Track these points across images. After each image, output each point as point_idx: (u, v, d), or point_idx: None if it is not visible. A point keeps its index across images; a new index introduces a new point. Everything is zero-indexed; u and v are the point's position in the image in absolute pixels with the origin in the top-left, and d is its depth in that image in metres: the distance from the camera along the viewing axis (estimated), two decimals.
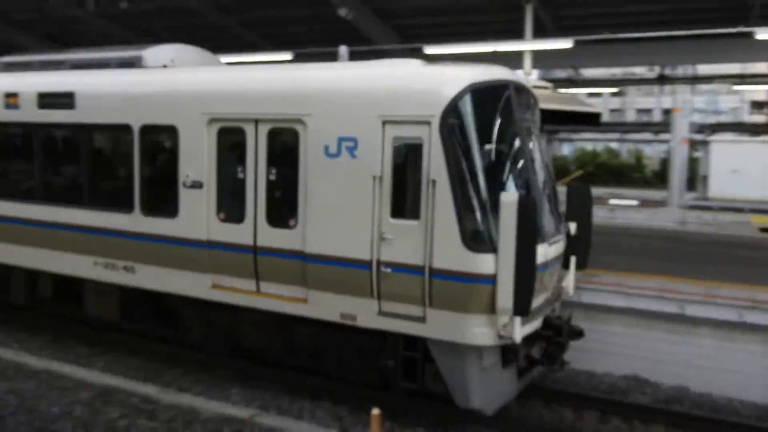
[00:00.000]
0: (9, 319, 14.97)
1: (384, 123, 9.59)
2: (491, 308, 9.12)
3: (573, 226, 11.31)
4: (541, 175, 10.61)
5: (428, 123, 9.31)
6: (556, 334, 10.39)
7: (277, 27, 24.81)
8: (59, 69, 13.63)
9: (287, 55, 21.76)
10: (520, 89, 10.41)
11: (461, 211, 9.11)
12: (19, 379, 11.42)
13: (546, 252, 10.00)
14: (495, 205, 9.06)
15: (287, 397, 11.43)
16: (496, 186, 9.32)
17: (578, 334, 10.84)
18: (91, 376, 11.46)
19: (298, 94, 10.34)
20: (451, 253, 9.18)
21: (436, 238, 9.27)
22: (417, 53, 20.77)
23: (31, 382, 11.25)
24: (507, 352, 9.82)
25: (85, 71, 13.13)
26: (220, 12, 22.81)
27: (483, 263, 9.07)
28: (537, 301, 9.93)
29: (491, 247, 9.07)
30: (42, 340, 14.14)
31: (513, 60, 20.15)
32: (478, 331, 9.28)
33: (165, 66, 12.76)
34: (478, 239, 9.13)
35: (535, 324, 10.03)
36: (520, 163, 9.95)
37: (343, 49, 14.12)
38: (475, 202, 9.16)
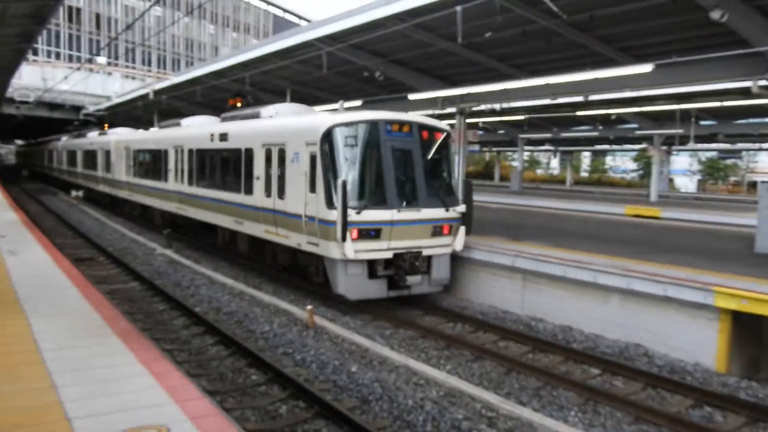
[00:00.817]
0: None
1: (306, 144, 19.19)
2: (337, 238, 17.82)
3: (462, 207, 19.12)
4: (402, 170, 17.88)
5: (316, 144, 18.62)
6: (402, 265, 18.30)
7: (635, 39, 23.23)
8: (229, 120, 25.03)
9: (647, 67, 20.55)
10: (392, 122, 18.31)
11: (327, 189, 17.90)
12: (383, 370, 12.90)
13: (392, 215, 17.61)
14: (337, 186, 17.92)
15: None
16: (340, 176, 17.80)
17: (416, 270, 18.42)
18: (440, 377, 12.62)
19: (282, 132, 20.48)
20: (323, 210, 18.20)
21: (319, 203, 18.39)
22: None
23: (392, 374, 12.58)
24: (370, 266, 18.24)
25: (234, 122, 24.35)
26: (579, 29, 22.75)
27: (332, 215, 17.79)
28: (392, 243, 17.91)
29: (334, 207, 17.77)
30: (402, 336, 16.70)
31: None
32: (334, 251, 17.99)
33: (271, 117, 23.19)
34: (331, 203, 17.81)
35: (381, 254, 17.95)
36: (364, 163, 17.82)
37: (340, 103, 23.66)
38: (331, 184, 17.90)
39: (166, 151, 30.32)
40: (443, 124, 20.00)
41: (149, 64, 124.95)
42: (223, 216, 24.12)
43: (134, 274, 22.61)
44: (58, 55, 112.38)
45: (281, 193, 19.90)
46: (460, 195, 19.76)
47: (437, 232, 18.68)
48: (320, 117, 19.14)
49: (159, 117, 55.80)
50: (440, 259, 19.05)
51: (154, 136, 33.15)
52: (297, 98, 36.64)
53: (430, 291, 19.34)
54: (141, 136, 36.55)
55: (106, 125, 59.50)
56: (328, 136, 17.90)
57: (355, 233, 17.41)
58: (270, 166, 20.58)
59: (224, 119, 26.10)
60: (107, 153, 42.29)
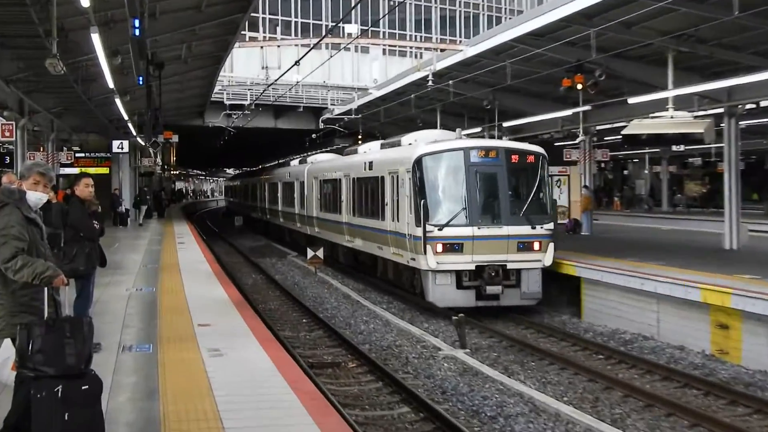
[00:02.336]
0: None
1: (406, 171, 21.24)
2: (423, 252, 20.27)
3: (551, 224, 20.79)
4: (485, 191, 20.18)
5: (410, 170, 20.97)
6: (485, 277, 20.13)
7: None
8: (387, 148, 27.31)
9: None
10: (479, 149, 20.73)
11: (416, 209, 20.21)
12: None
13: (473, 231, 19.75)
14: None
15: None
16: (424, 197, 20.27)
17: (497, 282, 20.09)
18: None
19: (395, 160, 23.01)
20: (413, 227, 20.60)
21: (413, 221, 20.77)
22: None
23: None
24: (458, 277, 20.26)
25: (385, 150, 26.98)
26: None
27: (419, 231, 20.04)
28: (476, 257, 19.94)
29: (421, 224, 20.20)
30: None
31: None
32: (422, 262, 20.15)
33: (410, 144, 24.97)
34: (419, 221, 20.00)
35: (464, 266, 19.96)
36: (448, 186, 20.67)
37: (458, 131, 24.38)
38: (419, 205, 20.05)
39: (340, 180, 28.76)
40: (536, 148, 21.67)
41: (427, 29, 76.70)
42: (368, 242, 25.31)
43: (404, 390, 13.31)
44: (287, 26, 69.56)
45: (396, 215, 22.12)
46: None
47: (525, 247, 20.10)
48: (415, 147, 21.77)
49: (443, 117, 37.50)
50: (530, 273, 20.33)
51: (332, 164, 31.87)
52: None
53: (521, 304, 20.48)
54: (332, 162, 33.50)
55: (359, 138, 45.08)
56: (418, 164, 20.43)
57: (440, 247, 19.56)
58: (392, 191, 22.76)
59: (383, 146, 26.99)
60: (302, 185, 36.08)
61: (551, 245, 20.41)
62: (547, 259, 20.41)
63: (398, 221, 21.50)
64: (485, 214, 20.03)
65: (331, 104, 49.80)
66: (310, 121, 51.37)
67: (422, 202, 19.47)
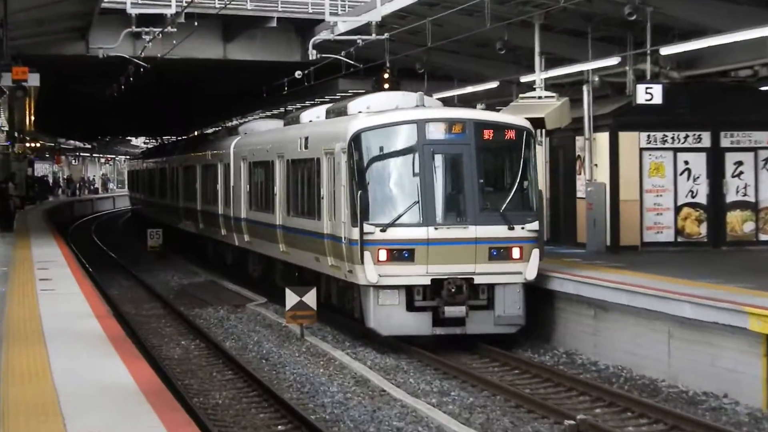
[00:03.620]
0: None
1: (342, 151, 16.65)
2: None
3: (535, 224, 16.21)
4: (446, 180, 16.02)
5: (345, 151, 16.36)
6: (443, 295, 15.59)
7: None
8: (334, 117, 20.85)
9: None
10: (438, 122, 16.11)
11: (353, 203, 15.84)
12: None
13: (428, 233, 15.63)
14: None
15: None
16: (362, 188, 15.90)
17: (459, 301, 15.57)
18: None
19: (332, 136, 17.71)
20: (349, 228, 16.04)
21: (348, 219, 16.18)
22: None
23: None
24: (409, 296, 15.74)
25: (319, 122, 21.13)
26: None
27: (355, 233, 15.62)
28: (431, 268, 15.63)
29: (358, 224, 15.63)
30: None
31: None
32: (360, 275, 15.74)
33: (359, 113, 18.43)
34: (356, 219, 15.60)
35: (416, 280, 15.62)
36: (394, 173, 16.39)
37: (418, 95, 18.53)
38: (356, 198, 15.68)
39: (273, 164, 21.78)
40: (519, 120, 17.17)
41: None
42: (304, 252, 19.68)
43: None
44: None
45: (333, 213, 17.36)
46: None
47: (500, 255, 16.14)
48: (354, 119, 17.08)
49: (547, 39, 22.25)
50: (506, 290, 16.19)
51: (264, 139, 24.15)
52: None
53: (495, 332, 16.31)
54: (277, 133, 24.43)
55: (385, 77, 26.05)
56: (355, 141, 16.25)
57: (382, 254, 15.76)
58: (329, 179, 17.82)
59: (328, 114, 20.46)
60: (227, 169, 26.67)
61: (536, 252, 16.24)
62: (530, 270, 16.24)
63: (335, 220, 17.14)
64: (446, 211, 16.22)
65: (332, 15, 27.41)
66: (292, 47, 32.25)
67: (359, 193, 15.69)
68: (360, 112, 18.19)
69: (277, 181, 21.35)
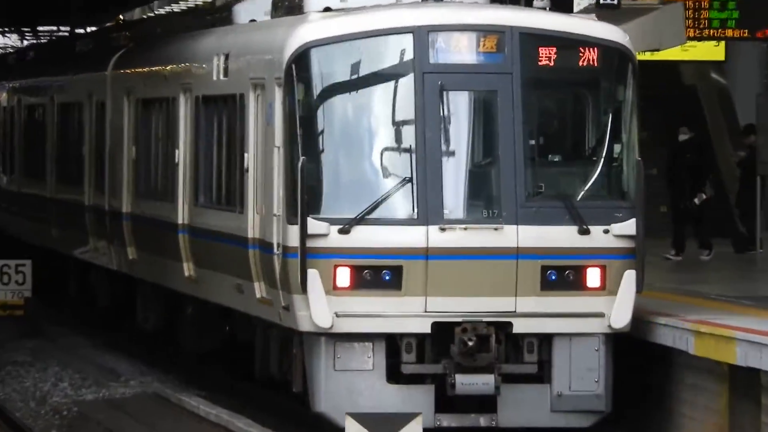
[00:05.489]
0: None
1: (276, 82, 10.59)
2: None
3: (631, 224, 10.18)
4: (462, 139, 10.20)
5: (280, 82, 10.26)
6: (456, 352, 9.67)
7: None
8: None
9: None
10: (453, 30, 10.24)
11: (292, 179, 9.95)
12: None
13: (426, 236, 9.86)
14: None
15: None
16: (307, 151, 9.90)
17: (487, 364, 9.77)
18: None
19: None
20: (284, 225, 10.35)
21: (281, 209, 10.46)
22: None
23: None
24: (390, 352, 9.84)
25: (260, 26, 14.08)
26: None
27: (292, 235, 9.77)
28: (432, 301, 9.78)
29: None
30: None
31: None
32: (299, 313, 9.84)
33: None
34: (294, 210, 9.85)
35: (406, 324, 9.69)
36: (371, 127, 10.17)
37: None
38: (297, 169, 9.66)
39: (175, 103, 14.95)
40: (609, 29, 11.00)
41: None
42: (216, 273, 13.48)
43: None
44: None
45: (262, 199, 11.42)
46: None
47: (561, 282, 10.37)
48: (300, 23, 10.80)
49: None
50: (575, 346, 10.48)
51: (162, 52, 16.40)
52: None
53: (553, 425, 10.56)
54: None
55: None
56: (298, 67, 10.14)
57: (344, 275, 10.08)
58: (256, 134, 11.77)
59: (275, 10, 13.77)
60: (98, 112, 18.49)
61: (630, 276, 10.31)
62: (620, 310, 10.34)
63: (265, 213, 11.35)
64: (462, 197, 10.43)
65: None
66: None
67: (301, 161, 9.74)
68: (326, 8, 11.77)
69: (180, 139, 14.37)
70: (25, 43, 46.30)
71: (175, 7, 32.60)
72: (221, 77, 12.81)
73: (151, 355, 16.18)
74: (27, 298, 19.56)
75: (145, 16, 32.49)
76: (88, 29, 34.03)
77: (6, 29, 47.92)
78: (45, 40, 40.89)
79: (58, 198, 19.40)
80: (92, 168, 17.84)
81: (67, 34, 37.13)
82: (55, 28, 42.64)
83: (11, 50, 43.96)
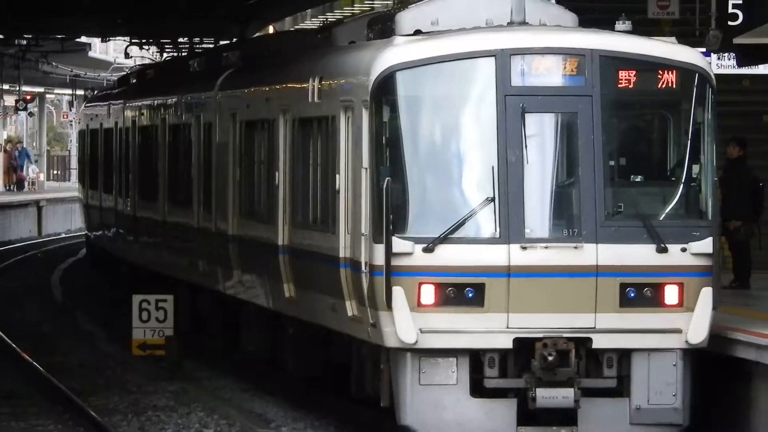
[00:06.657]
0: None
1: (363, 105, 10.86)
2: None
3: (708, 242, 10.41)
4: (543, 160, 10.51)
5: (366, 105, 10.68)
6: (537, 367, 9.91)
7: None
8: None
9: None
10: (535, 53, 10.54)
11: (376, 199, 10.41)
12: None
13: (508, 254, 10.12)
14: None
15: None
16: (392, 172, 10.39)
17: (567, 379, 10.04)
18: None
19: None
20: (370, 244, 10.76)
21: (366, 228, 10.97)
22: None
23: None
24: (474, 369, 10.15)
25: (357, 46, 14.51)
26: None
27: (378, 254, 10.26)
28: (514, 318, 10.14)
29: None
30: None
31: None
32: (386, 329, 10.23)
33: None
34: (380, 229, 10.33)
35: (489, 340, 10.01)
36: (452, 147, 10.56)
37: None
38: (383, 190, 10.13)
39: (275, 125, 15.26)
40: (688, 53, 11.23)
41: None
42: (310, 293, 13.87)
43: None
44: None
45: (353, 219, 11.88)
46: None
47: (640, 299, 10.63)
48: (386, 47, 11.11)
49: None
50: (654, 361, 10.76)
51: (264, 75, 16.61)
52: None
53: None
54: None
55: None
56: (383, 90, 10.51)
57: (429, 293, 10.41)
58: (347, 154, 12.17)
59: (370, 31, 14.16)
60: (206, 132, 18.78)
61: (707, 293, 10.55)
62: (697, 326, 10.62)
63: (355, 232, 11.70)
64: (544, 217, 10.81)
65: None
66: None
67: (386, 182, 10.20)
68: (417, 31, 11.90)
69: (280, 158, 14.66)
70: (165, 56, 42.57)
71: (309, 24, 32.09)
72: (315, 99, 13.06)
73: (302, 399, 15.43)
74: (168, 337, 18.00)
75: (258, 35, 31.50)
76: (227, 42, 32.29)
77: (144, 41, 43.11)
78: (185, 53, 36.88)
79: (168, 221, 19.98)
80: (200, 188, 18.29)
81: (211, 45, 35.69)
82: (198, 39, 38.68)
83: (141, 66, 41.07)
